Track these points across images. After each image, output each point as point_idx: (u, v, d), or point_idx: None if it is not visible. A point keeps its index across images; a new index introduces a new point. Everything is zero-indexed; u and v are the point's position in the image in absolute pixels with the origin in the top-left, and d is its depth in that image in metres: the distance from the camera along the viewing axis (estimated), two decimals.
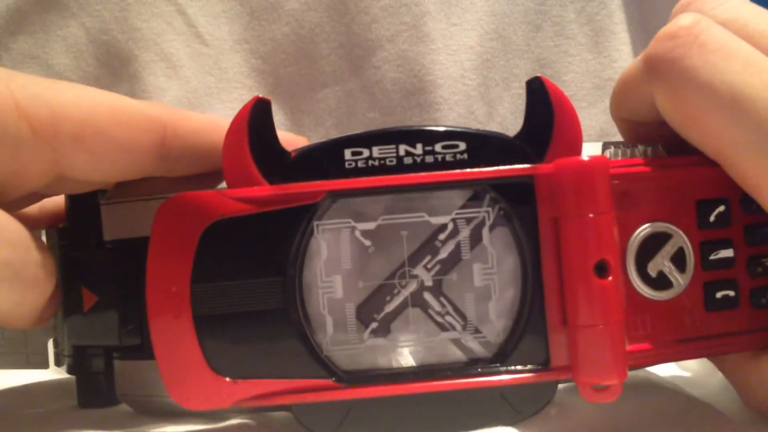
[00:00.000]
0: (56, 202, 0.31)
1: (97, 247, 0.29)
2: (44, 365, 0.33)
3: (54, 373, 0.34)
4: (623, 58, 0.42)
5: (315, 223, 0.26)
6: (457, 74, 0.39)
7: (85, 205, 0.29)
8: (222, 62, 0.39)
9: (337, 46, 0.39)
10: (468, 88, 0.39)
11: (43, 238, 0.31)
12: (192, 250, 0.25)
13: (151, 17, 0.38)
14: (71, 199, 0.30)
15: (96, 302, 0.28)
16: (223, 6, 0.39)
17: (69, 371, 0.31)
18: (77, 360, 0.30)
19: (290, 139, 0.28)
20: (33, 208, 0.31)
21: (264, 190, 0.25)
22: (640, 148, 0.27)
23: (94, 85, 0.37)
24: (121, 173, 0.27)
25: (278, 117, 0.39)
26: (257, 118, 0.26)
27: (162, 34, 0.38)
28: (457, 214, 0.26)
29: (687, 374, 0.34)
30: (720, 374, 0.29)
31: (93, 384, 0.30)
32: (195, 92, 0.38)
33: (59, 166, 0.26)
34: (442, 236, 0.26)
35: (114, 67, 0.38)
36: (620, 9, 0.42)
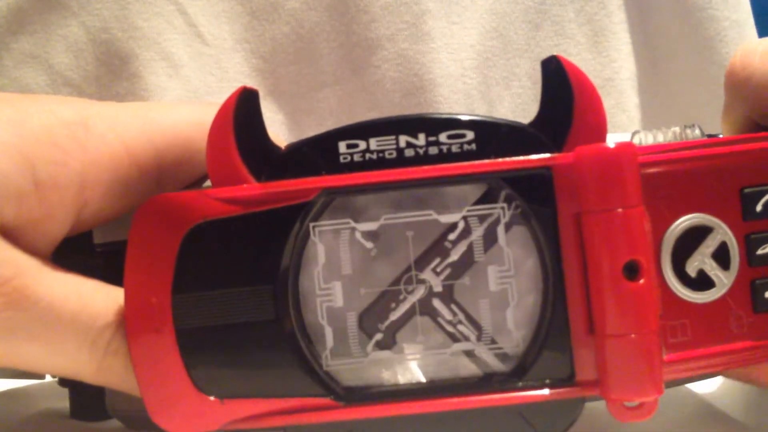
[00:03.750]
0: None
1: (89, 252, 0.27)
2: (40, 376, 0.32)
3: (50, 382, 0.33)
4: (622, 57, 0.42)
5: (310, 224, 0.24)
6: (458, 73, 0.39)
7: None
8: (222, 62, 0.39)
9: (337, 46, 0.39)
10: (468, 87, 0.39)
11: None
12: (173, 256, 0.23)
13: (152, 16, 0.38)
14: None
15: None
16: (223, 6, 0.39)
17: (61, 383, 0.30)
18: None
19: None
20: None
21: (251, 188, 0.23)
22: (674, 130, 0.24)
23: (93, 84, 0.37)
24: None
25: (279, 117, 0.39)
26: (244, 110, 0.24)
27: (163, 33, 0.38)
28: (468, 211, 0.24)
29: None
30: None
31: (85, 397, 0.29)
32: (195, 92, 0.38)
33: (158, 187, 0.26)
34: (452, 236, 0.24)
35: (114, 66, 0.38)
36: (620, 9, 0.42)
